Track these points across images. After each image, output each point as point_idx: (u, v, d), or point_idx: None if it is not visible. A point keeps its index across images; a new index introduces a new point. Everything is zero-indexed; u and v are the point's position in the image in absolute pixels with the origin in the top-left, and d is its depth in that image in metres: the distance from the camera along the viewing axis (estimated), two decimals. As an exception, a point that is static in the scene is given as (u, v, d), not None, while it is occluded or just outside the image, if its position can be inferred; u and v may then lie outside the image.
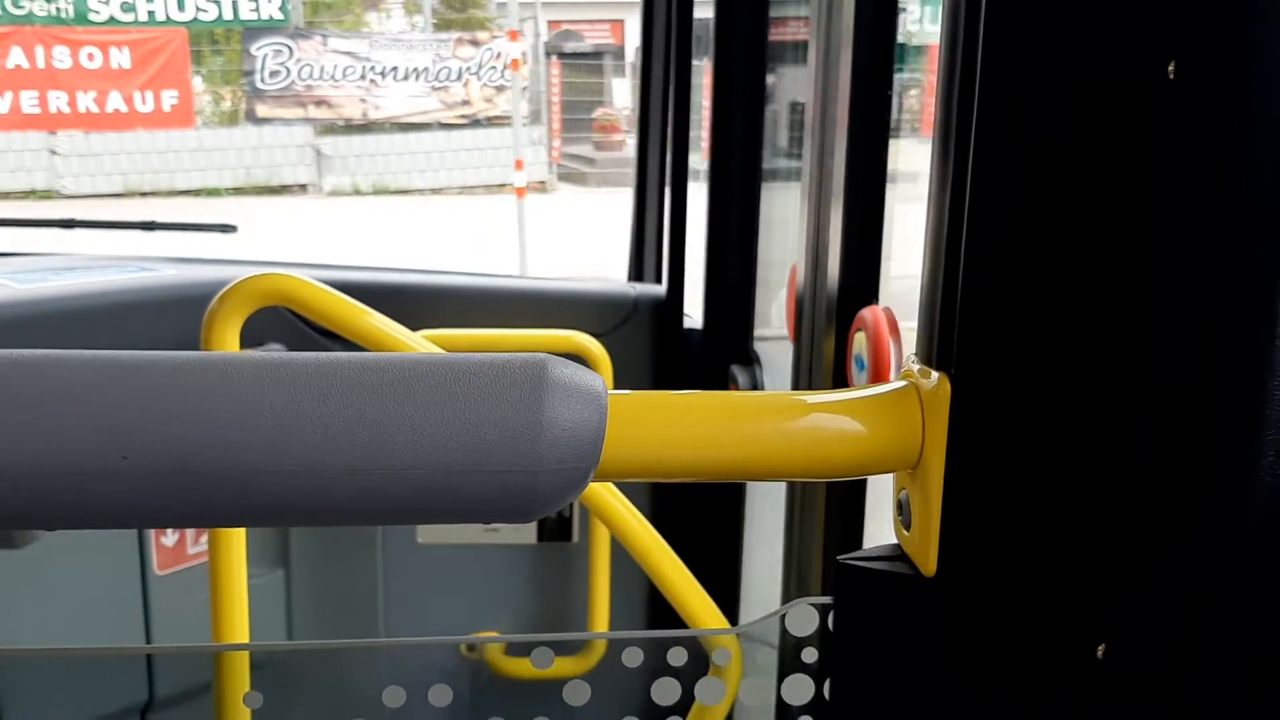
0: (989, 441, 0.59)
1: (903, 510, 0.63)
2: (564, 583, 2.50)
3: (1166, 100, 0.55)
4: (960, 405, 0.59)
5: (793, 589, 1.64)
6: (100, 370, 0.53)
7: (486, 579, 2.50)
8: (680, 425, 0.60)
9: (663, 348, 2.38)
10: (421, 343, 1.61)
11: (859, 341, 1.39)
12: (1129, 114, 0.56)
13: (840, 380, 1.48)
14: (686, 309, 2.39)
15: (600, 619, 2.30)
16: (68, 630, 2.11)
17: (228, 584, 1.55)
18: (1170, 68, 0.56)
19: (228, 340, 1.52)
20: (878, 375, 1.30)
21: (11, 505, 0.52)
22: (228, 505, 0.54)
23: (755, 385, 2.05)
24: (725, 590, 2.20)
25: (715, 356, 2.19)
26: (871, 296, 1.44)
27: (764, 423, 0.60)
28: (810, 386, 1.57)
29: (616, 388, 2.10)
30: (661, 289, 2.41)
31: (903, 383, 0.62)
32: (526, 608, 2.52)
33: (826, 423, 0.60)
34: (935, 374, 0.60)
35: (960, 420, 0.59)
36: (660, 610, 1.99)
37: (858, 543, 1.48)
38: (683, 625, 1.60)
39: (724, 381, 2.15)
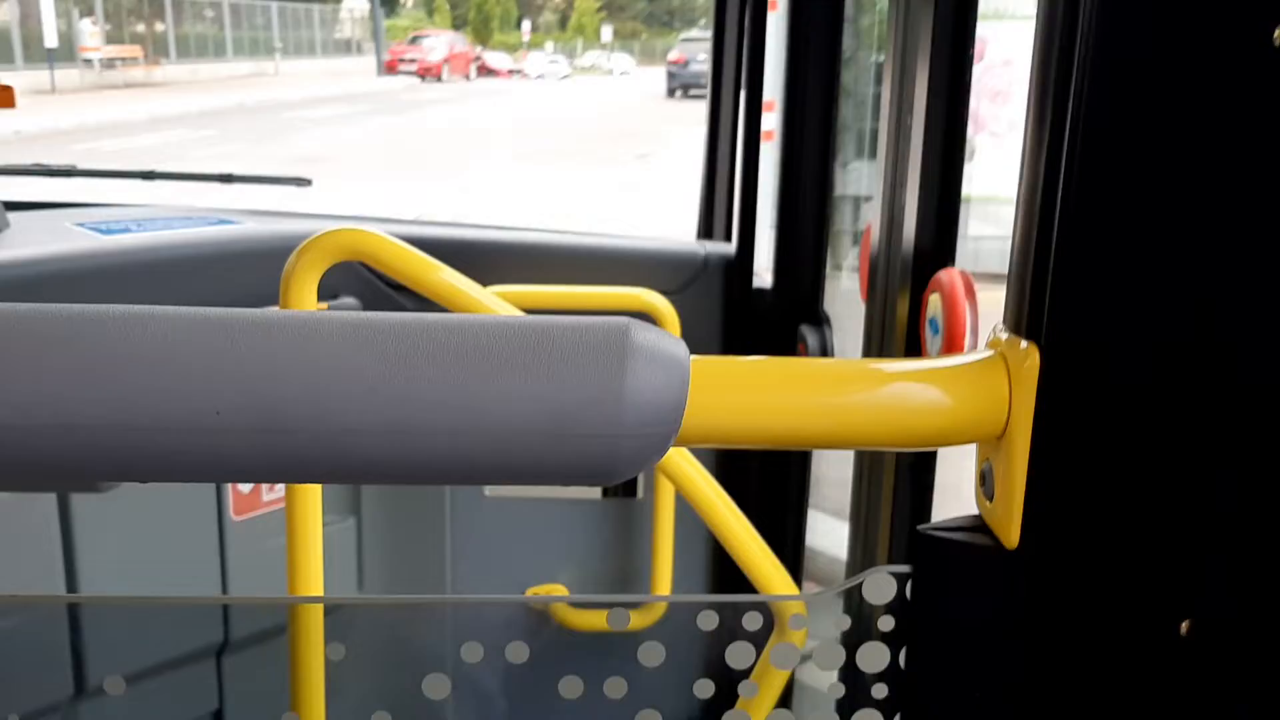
0: (1077, 414, 0.58)
1: (985, 481, 0.63)
2: (628, 538, 2.51)
3: (1271, 69, 0.54)
4: (1049, 376, 0.58)
5: (859, 556, 1.63)
6: (194, 327, 0.54)
7: (551, 532, 2.52)
8: (762, 392, 0.60)
9: (731, 307, 2.37)
10: (493, 299, 1.62)
11: (934, 304, 1.37)
12: (1236, 79, 0.54)
13: (914, 343, 1.46)
14: (756, 268, 2.37)
15: (663, 575, 2.32)
16: (147, 572, 2.17)
17: (303, 532, 1.59)
18: (1277, 33, 0.54)
19: (305, 295, 1.55)
20: (952, 339, 1.29)
21: (106, 459, 0.54)
22: (317, 463, 0.55)
23: (824, 346, 2.04)
24: (790, 553, 2.20)
25: (784, 317, 2.18)
26: (948, 258, 1.42)
27: (847, 391, 0.60)
28: (882, 349, 1.56)
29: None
30: (731, 247, 2.40)
31: (989, 352, 0.61)
32: (590, 562, 2.54)
33: (910, 392, 0.60)
34: (1024, 343, 0.59)
35: (1049, 392, 0.58)
36: (723, 568, 2.00)
37: (927, 512, 1.48)
38: (747, 586, 1.60)
39: (792, 342, 2.14)
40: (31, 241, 2.10)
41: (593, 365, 0.54)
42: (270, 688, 2.20)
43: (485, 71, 41.79)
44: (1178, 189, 0.55)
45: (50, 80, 27.48)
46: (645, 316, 2.23)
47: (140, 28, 34.97)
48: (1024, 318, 0.59)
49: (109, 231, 2.20)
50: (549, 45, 54.83)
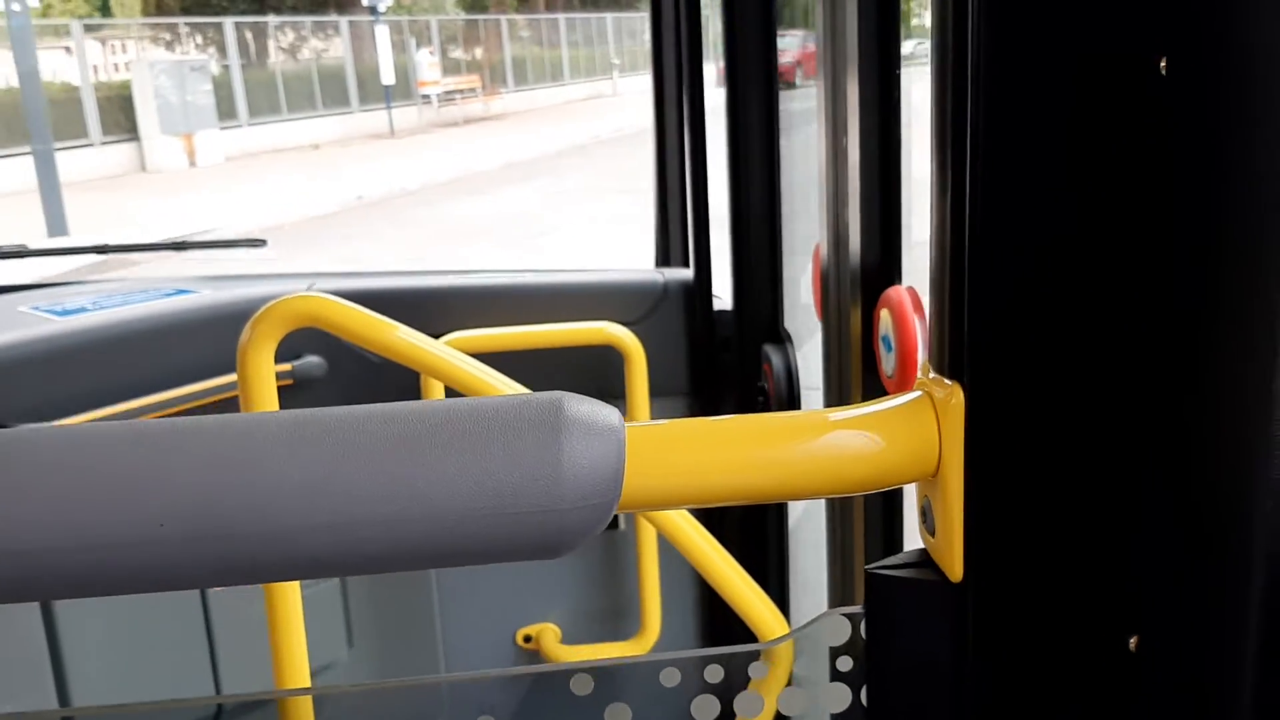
0: (1007, 448, 0.59)
1: (926, 517, 0.64)
2: (614, 570, 2.52)
3: (1165, 92, 0.55)
4: (975, 414, 0.59)
5: (838, 595, 1.64)
6: (129, 442, 0.55)
7: (538, 570, 2.52)
8: (698, 453, 0.60)
9: (694, 332, 2.38)
10: (447, 352, 1.63)
11: (885, 321, 1.39)
12: (1132, 105, 0.56)
13: (869, 359, 1.48)
14: (716, 290, 2.39)
15: (651, 606, 2.32)
16: (135, 643, 2.16)
17: (282, 601, 1.58)
18: (1162, 63, 0.56)
19: (262, 363, 1.55)
20: (904, 356, 1.30)
21: (56, 579, 0.54)
22: (265, 564, 0.56)
23: (788, 365, 2.05)
24: (775, 583, 2.21)
25: (747, 337, 2.19)
26: (895, 275, 1.44)
27: (782, 445, 0.61)
28: (840, 366, 1.58)
29: (650, 374, 2.11)
30: (689, 273, 2.41)
31: (917, 394, 0.63)
32: (578, 597, 2.55)
33: (843, 440, 0.61)
34: (949, 383, 0.60)
35: (976, 428, 0.59)
36: (711, 594, 2.01)
37: (898, 544, 1.49)
38: (732, 612, 1.61)
39: (757, 362, 2.15)
40: None
41: (528, 443, 0.54)
42: None
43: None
44: (1080, 219, 0.57)
45: (388, 122, 25.16)
46: (608, 349, 2.24)
47: (475, 53, 31.06)
48: (945, 357, 0.61)
49: (64, 313, 2.20)
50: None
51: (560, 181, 16.04)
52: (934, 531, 0.63)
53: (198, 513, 0.53)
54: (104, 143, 19.70)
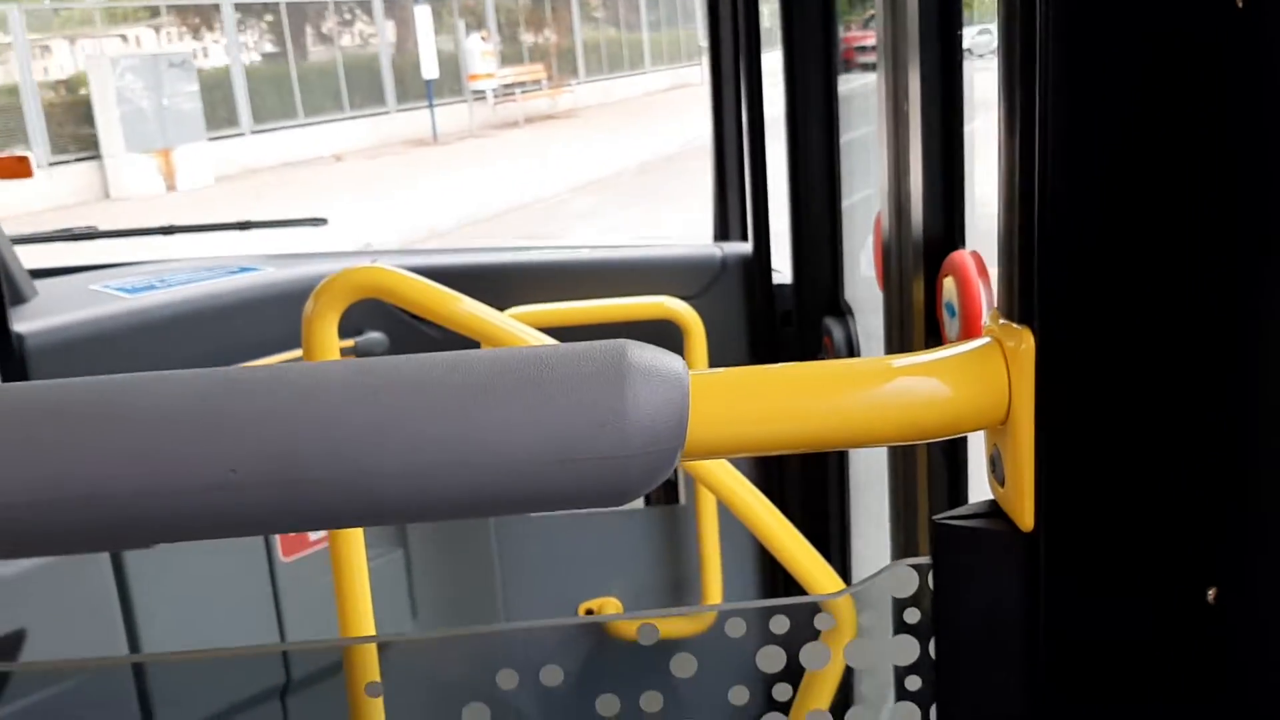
0: (1078, 394, 0.58)
1: (995, 466, 0.63)
2: (674, 544, 2.52)
3: (1239, 32, 0.54)
4: (1046, 359, 0.58)
5: (901, 548, 1.63)
6: (201, 388, 0.56)
7: (598, 545, 2.53)
8: (764, 400, 0.60)
9: (754, 306, 2.37)
10: (511, 323, 1.64)
11: (948, 288, 1.37)
12: (1204, 47, 0.54)
13: (933, 328, 1.46)
14: (775, 264, 2.38)
15: (712, 580, 2.32)
16: (203, 617, 2.21)
17: (349, 570, 1.61)
18: (1239, 3, 0.54)
19: (326, 335, 1.57)
20: (969, 322, 1.28)
21: (132, 525, 0.55)
22: (334, 509, 0.57)
23: (849, 337, 2.04)
24: (837, 548, 2.20)
25: (807, 311, 2.18)
26: (958, 241, 1.42)
27: (847, 392, 0.60)
28: (902, 336, 1.56)
29: (710, 349, 2.10)
30: (748, 246, 2.40)
31: (985, 339, 0.62)
32: (639, 571, 2.55)
33: (910, 386, 0.60)
34: (1018, 328, 0.59)
35: (1047, 375, 0.58)
36: (773, 565, 2.01)
37: (963, 496, 1.47)
38: (795, 583, 1.61)
39: (818, 335, 2.14)
40: (59, 308, 2.15)
41: (593, 389, 0.54)
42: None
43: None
44: (1152, 159, 0.56)
45: (431, 124, 20.35)
46: (667, 324, 2.24)
47: (540, 38, 25.76)
48: (1015, 302, 0.60)
49: (134, 291, 2.24)
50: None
51: (654, 214, 11.91)
52: (1003, 481, 0.62)
53: (267, 458, 0.54)
54: (53, 163, 14.85)
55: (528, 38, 26.10)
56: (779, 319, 2.33)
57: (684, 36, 30.32)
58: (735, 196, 2.56)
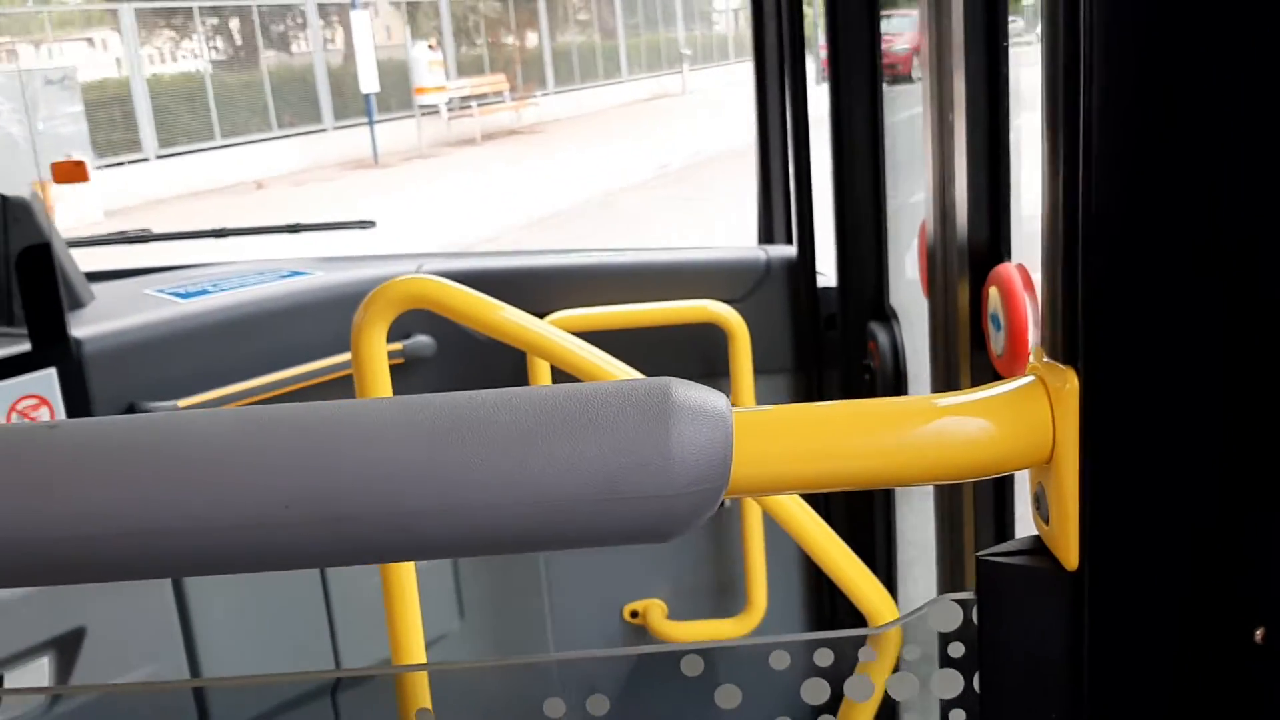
0: (1123, 434, 0.58)
1: (1040, 503, 0.63)
2: (720, 546, 2.53)
3: None
4: (1090, 399, 0.58)
5: (946, 577, 1.63)
6: (259, 426, 0.57)
7: (644, 547, 2.54)
8: (808, 439, 0.61)
9: (798, 309, 2.37)
10: (552, 332, 1.65)
11: (993, 299, 1.36)
12: (1255, 78, 0.54)
13: (979, 338, 1.46)
14: (820, 267, 2.37)
15: (756, 582, 2.33)
16: (258, 616, 2.25)
17: (398, 575, 1.63)
18: None
19: (375, 344, 1.59)
20: (1014, 336, 1.28)
21: (185, 556, 0.57)
22: (384, 545, 0.58)
23: (894, 342, 2.03)
24: (882, 554, 2.20)
25: (852, 315, 2.17)
26: (1004, 253, 1.42)
27: (892, 431, 0.61)
28: (947, 346, 1.56)
29: (754, 352, 2.10)
30: (792, 250, 2.40)
31: (1029, 378, 0.62)
32: (684, 572, 2.56)
33: (955, 426, 0.61)
34: (1063, 368, 0.59)
35: (1091, 414, 0.58)
36: (817, 571, 2.01)
37: (1009, 527, 1.46)
38: (838, 589, 1.61)
39: (862, 340, 2.14)
40: (117, 311, 2.19)
41: (637, 429, 0.55)
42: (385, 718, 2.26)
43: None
44: (1198, 198, 0.56)
45: (371, 143, 17.42)
46: (711, 327, 2.25)
47: (505, 45, 22.85)
48: (1060, 342, 0.60)
49: (187, 295, 2.28)
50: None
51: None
52: (1048, 519, 0.62)
53: (321, 495, 0.55)
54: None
55: (492, 46, 23.38)
56: (823, 323, 2.33)
57: (665, 42, 27.56)
58: (779, 199, 2.56)
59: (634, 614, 2.54)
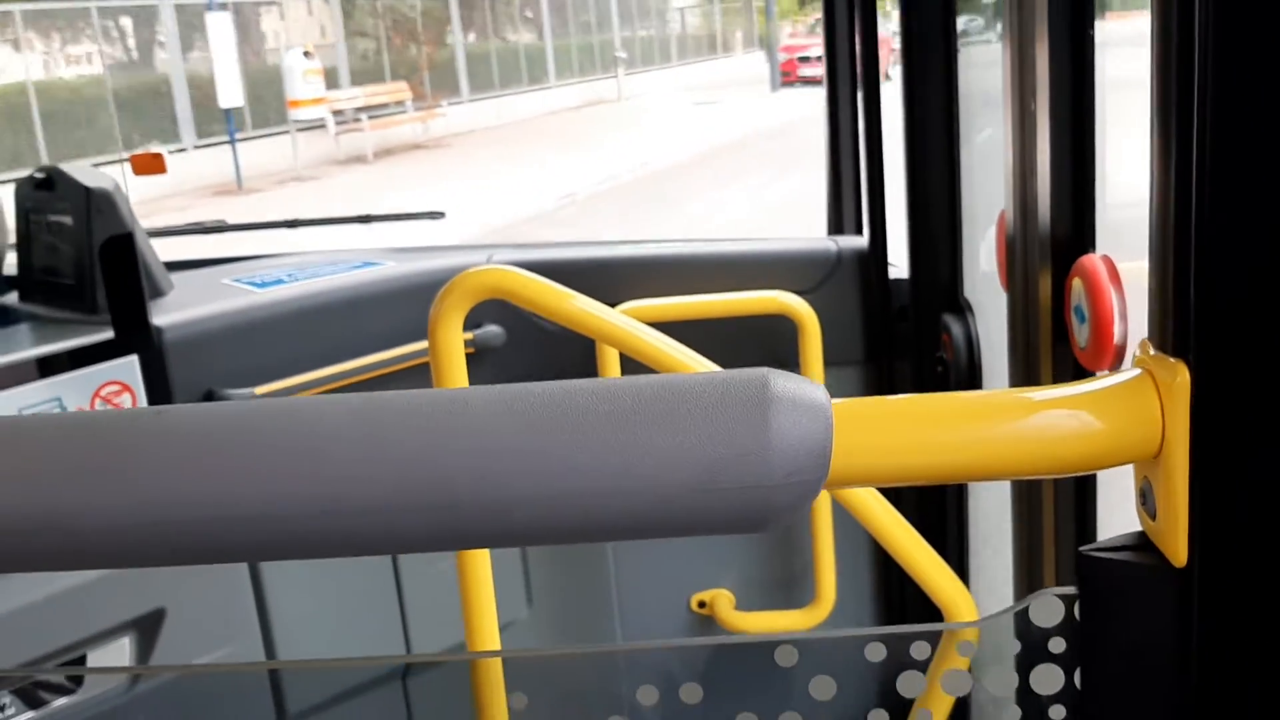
0: (1235, 429, 0.57)
1: (1146, 499, 0.62)
2: (788, 537, 2.52)
3: None
4: (1202, 394, 0.57)
5: (1024, 577, 1.61)
6: (364, 414, 0.58)
7: (711, 538, 2.55)
8: (909, 431, 0.60)
9: (869, 301, 2.35)
10: (624, 320, 1.66)
11: (1077, 291, 1.34)
12: None
13: (1060, 331, 1.43)
14: (891, 259, 2.35)
15: (826, 578, 2.31)
16: (332, 601, 2.28)
17: (472, 563, 1.65)
18: None
19: (451, 333, 1.61)
20: (1100, 330, 1.26)
21: (294, 539, 0.58)
22: (486, 532, 0.59)
23: (969, 335, 2.01)
24: (954, 546, 2.17)
25: (925, 307, 2.15)
26: (1088, 244, 1.39)
27: (995, 423, 0.60)
28: (1028, 338, 1.53)
29: (824, 344, 2.08)
30: (863, 240, 2.38)
31: (1137, 371, 0.61)
32: (753, 563, 2.56)
33: (1060, 419, 0.60)
34: (1173, 361, 0.58)
35: (1203, 409, 0.57)
36: (887, 562, 1.99)
37: (1092, 530, 1.44)
38: (913, 586, 1.59)
39: (936, 333, 2.11)
40: (196, 300, 2.23)
41: (737, 418, 0.55)
42: (455, 703, 2.29)
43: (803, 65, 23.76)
44: None
45: (234, 165, 14.90)
46: (782, 318, 2.24)
47: (413, 49, 20.22)
48: (1169, 335, 0.59)
49: (264, 285, 2.32)
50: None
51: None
52: (1154, 514, 0.61)
53: (424, 483, 0.56)
54: None
55: (399, 48, 20.53)
56: (895, 314, 2.31)
57: (599, 44, 24.76)
58: (849, 190, 2.54)
59: (701, 604, 2.54)
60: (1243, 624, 0.59)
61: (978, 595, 2.14)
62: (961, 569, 2.16)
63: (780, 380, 0.57)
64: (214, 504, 0.56)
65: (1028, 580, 1.58)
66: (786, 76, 24.13)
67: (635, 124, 18.50)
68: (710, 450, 0.55)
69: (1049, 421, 0.60)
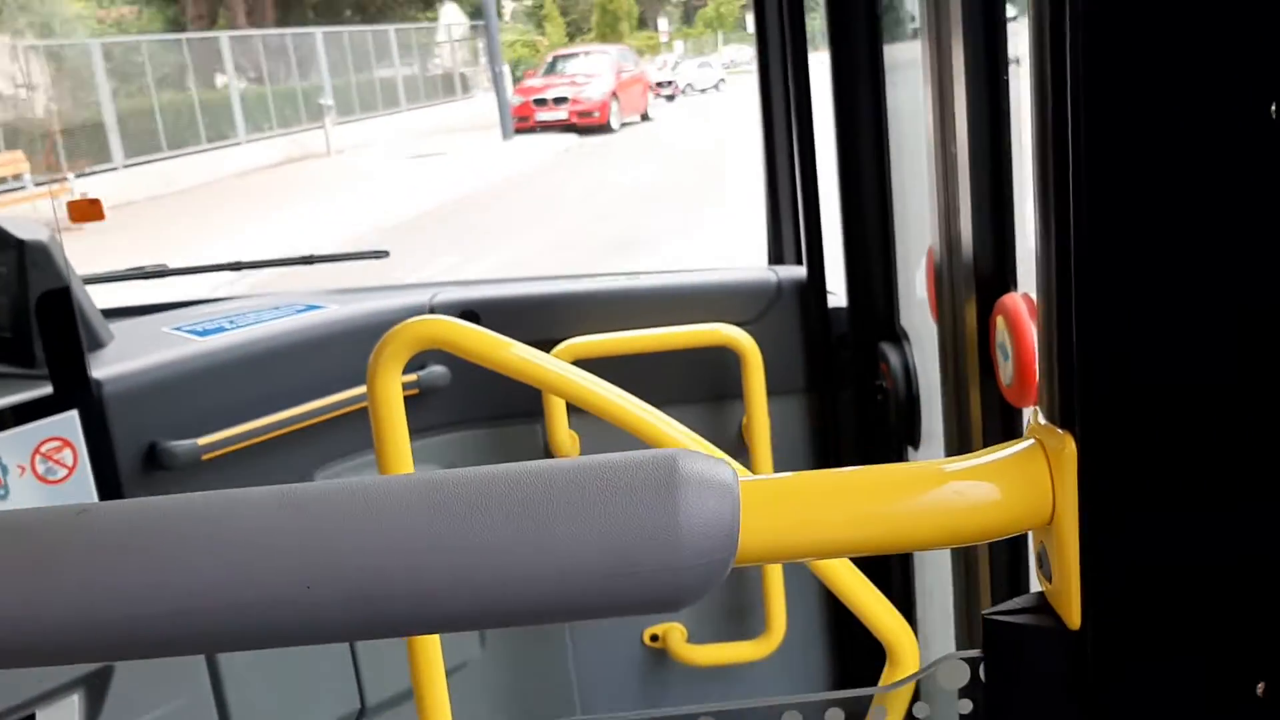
0: (1121, 495, 0.59)
1: (1042, 563, 0.64)
2: (740, 570, 2.53)
3: (1272, 142, 0.55)
4: (1088, 462, 0.59)
5: (964, 628, 1.63)
6: (276, 507, 0.59)
7: None
8: (814, 508, 0.62)
9: (810, 330, 2.38)
10: (562, 367, 1.67)
11: (1000, 328, 1.37)
12: (1238, 152, 0.55)
13: (987, 365, 1.47)
14: (831, 287, 2.38)
15: (776, 605, 2.34)
16: (281, 649, 2.27)
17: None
18: (1273, 108, 0.55)
19: (390, 384, 1.62)
20: (1022, 366, 1.29)
21: (212, 633, 0.59)
22: (402, 621, 0.60)
23: (906, 363, 2.04)
24: (898, 581, 2.20)
25: (863, 335, 2.18)
26: (1010, 282, 1.43)
27: (896, 498, 0.62)
28: (957, 372, 1.56)
29: (767, 373, 2.10)
30: (803, 270, 2.41)
31: (1030, 441, 0.63)
32: (705, 596, 2.57)
33: (959, 491, 0.62)
34: (1061, 432, 0.61)
35: (1089, 477, 0.59)
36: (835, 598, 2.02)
37: (1023, 577, 1.47)
38: (857, 621, 1.62)
39: (874, 361, 2.15)
40: (136, 351, 2.21)
41: (645, 502, 0.57)
42: None
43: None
44: (1185, 270, 0.57)
45: None
46: (724, 350, 2.26)
47: (38, 109, 16.84)
48: (1057, 406, 0.61)
49: (205, 333, 2.31)
50: (677, 46, 41.65)
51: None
52: (1050, 578, 0.64)
53: (340, 573, 0.57)
54: None
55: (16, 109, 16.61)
56: (835, 343, 2.34)
57: (306, 92, 21.77)
58: (789, 220, 2.57)
59: (654, 638, 2.55)
60: (1134, 684, 0.62)
61: (927, 625, 2.17)
62: (907, 600, 2.19)
63: (688, 462, 0.59)
64: (124, 603, 0.57)
65: (969, 636, 1.61)
66: (522, 122, 21.08)
67: (336, 185, 16.09)
68: (621, 536, 0.57)
69: (949, 494, 0.62)
